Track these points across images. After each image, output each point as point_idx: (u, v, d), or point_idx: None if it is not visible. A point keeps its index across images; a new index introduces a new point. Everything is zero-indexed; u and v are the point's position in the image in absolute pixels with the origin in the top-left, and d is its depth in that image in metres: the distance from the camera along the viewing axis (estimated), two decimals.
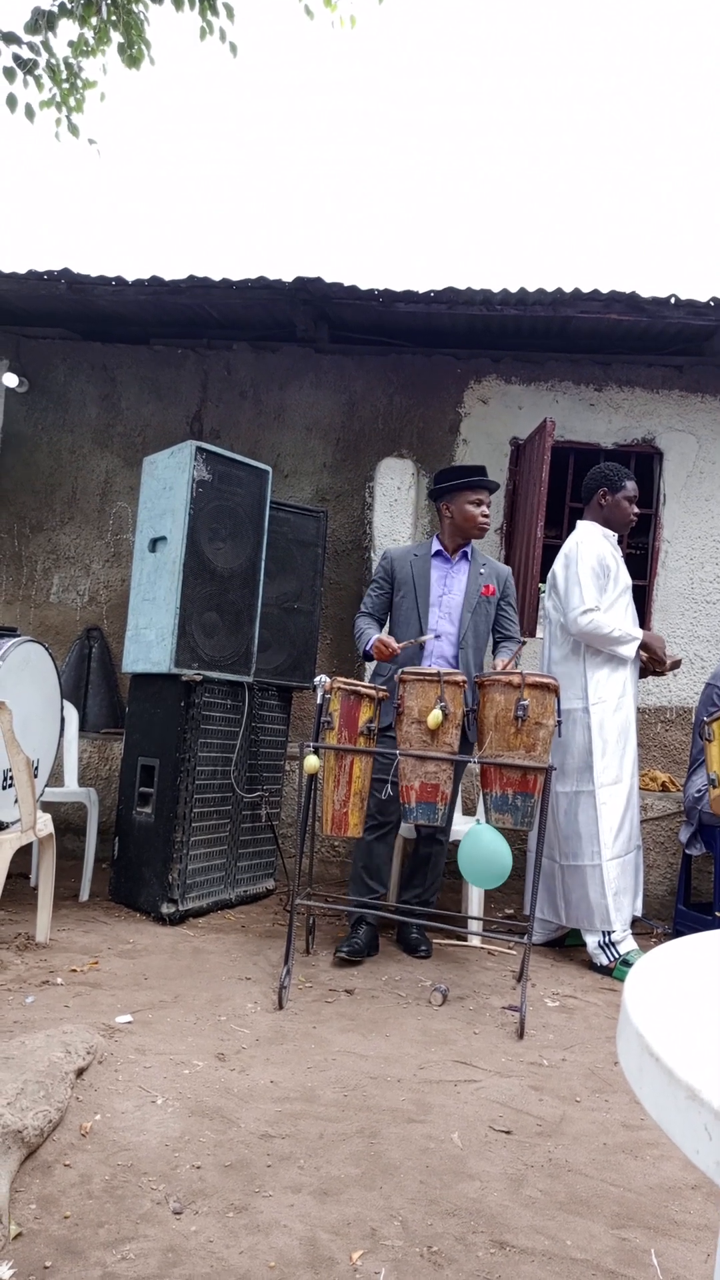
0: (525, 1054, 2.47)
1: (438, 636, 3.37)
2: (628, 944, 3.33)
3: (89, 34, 4.81)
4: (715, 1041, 0.58)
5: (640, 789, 4.28)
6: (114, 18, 4.74)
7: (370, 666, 3.60)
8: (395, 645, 3.23)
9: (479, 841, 2.77)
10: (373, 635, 3.34)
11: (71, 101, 4.98)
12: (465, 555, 3.48)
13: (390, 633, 3.48)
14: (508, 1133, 1.97)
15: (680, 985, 0.72)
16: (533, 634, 4.75)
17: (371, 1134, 1.89)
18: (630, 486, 3.59)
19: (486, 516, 3.42)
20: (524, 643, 3.48)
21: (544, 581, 3.89)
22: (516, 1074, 2.31)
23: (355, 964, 3.16)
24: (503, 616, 3.49)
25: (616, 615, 3.45)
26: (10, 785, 2.83)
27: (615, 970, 3.30)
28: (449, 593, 3.43)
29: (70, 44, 4.87)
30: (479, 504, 3.40)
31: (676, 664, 3.54)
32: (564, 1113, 2.10)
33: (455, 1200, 1.67)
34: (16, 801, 2.84)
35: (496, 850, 2.74)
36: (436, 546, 3.49)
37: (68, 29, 4.78)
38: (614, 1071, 2.40)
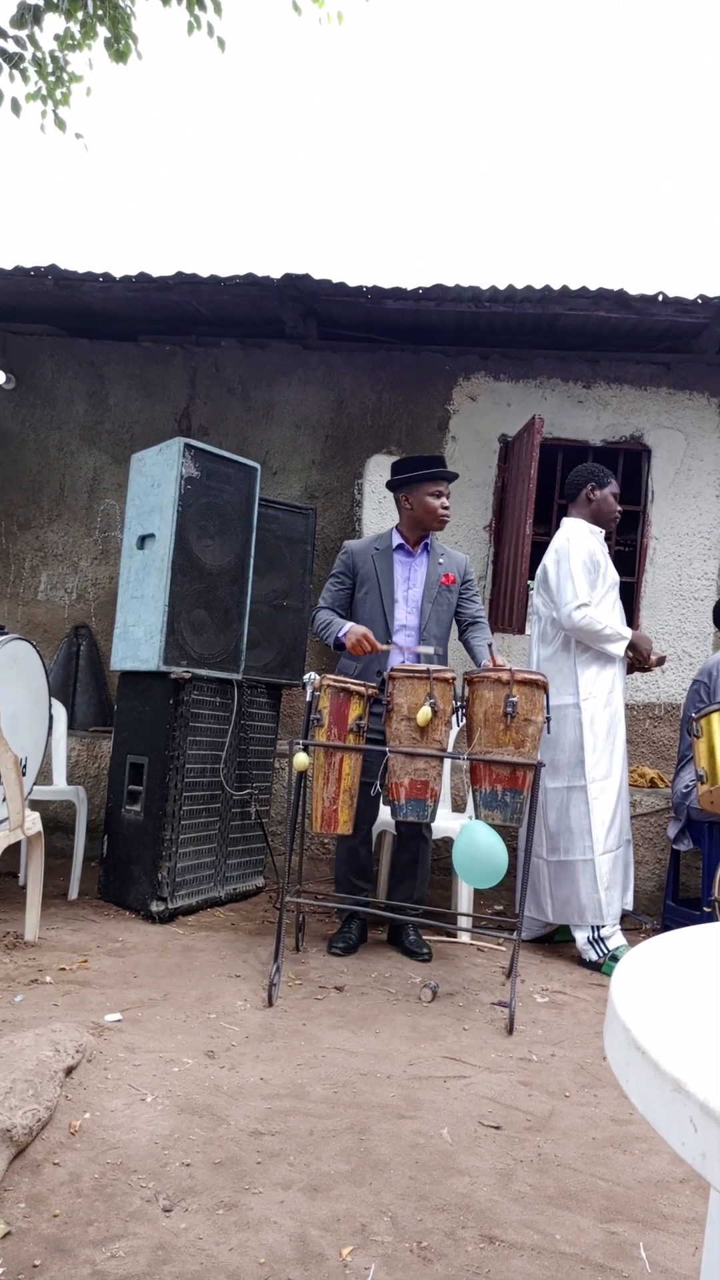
0: (515, 1050, 2.47)
1: (400, 648, 3.33)
2: (616, 939, 3.35)
3: (75, 28, 4.80)
4: (701, 1035, 0.59)
5: (629, 785, 4.30)
6: (100, 12, 4.72)
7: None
8: (379, 644, 3.18)
9: (473, 839, 2.73)
10: (346, 625, 3.27)
11: (58, 95, 4.96)
12: (425, 547, 3.47)
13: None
14: (497, 1128, 1.97)
15: (667, 979, 0.73)
16: (521, 631, 4.76)
17: (361, 1130, 1.90)
18: (615, 483, 3.63)
19: (446, 508, 3.38)
20: (484, 618, 3.48)
21: (533, 578, 3.89)
22: (506, 1069, 2.32)
23: (350, 956, 3.23)
24: (463, 599, 3.47)
25: (605, 611, 3.46)
26: None
27: (604, 966, 3.31)
28: (413, 586, 3.42)
29: (56, 38, 4.85)
30: (438, 495, 3.35)
31: (662, 660, 3.56)
32: (553, 1108, 2.11)
33: (445, 1195, 1.67)
34: (4, 800, 2.83)
35: (492, 848, 2.69)
36: (398, 540, 3.45)
37: (54, 23, 4.76)
38: (603, 1066, 2.41)
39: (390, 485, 3.46)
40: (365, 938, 3.43)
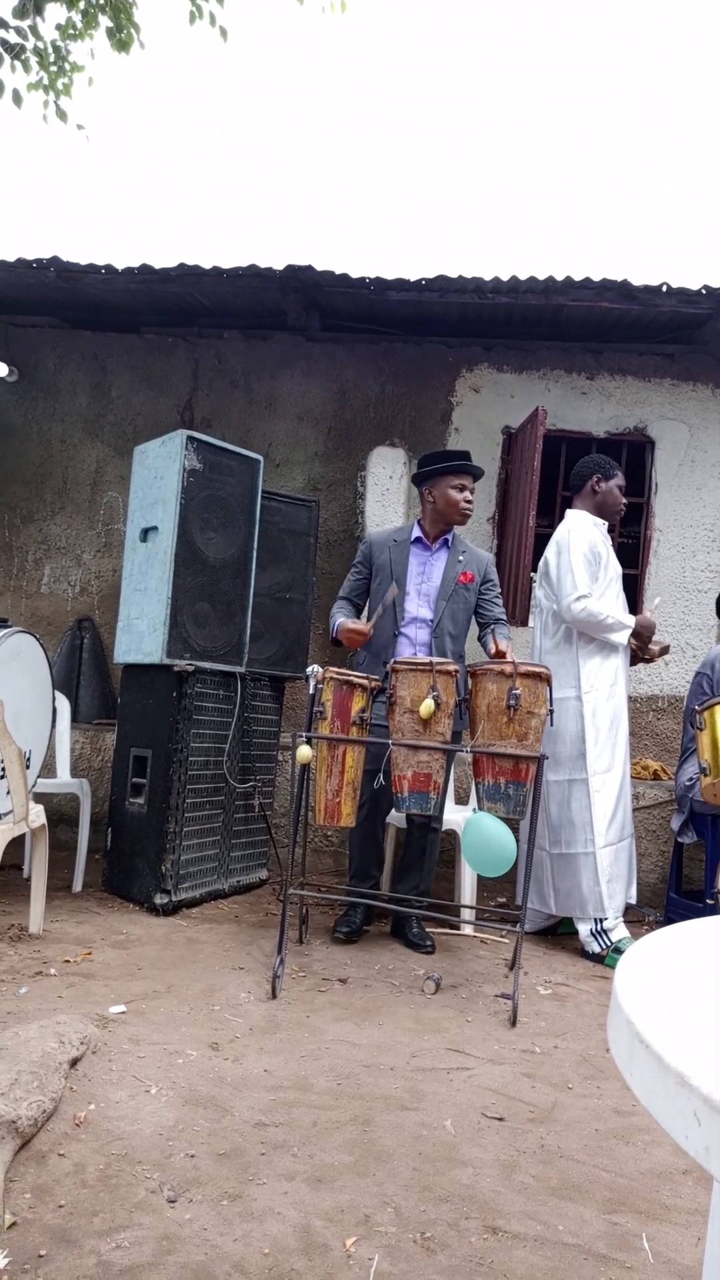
0: (518, 1041, 2.48)
1: (409, 639, 3.35)
2: (620, 932, 3.35)
3: (77, 17, 4.77)
4: (705, 1028, 0.59)
5: (632, 777, 4.30)
6: (102, 1, 4.70)
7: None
8: (364, 627, 3.23)
9: (481, 829, 2.75)
10: (338, 620, 3.34)
11: (59, 85, 4.94)
12: (445, 543, 3.47)
13: (367, 618, 3.47)
14: (500, 1119, 1.98)
15: (671, 972, 0.72)
16: (524, 623, 4.75)
17: (365, 1122, 1.90)
18: (621, 476, 3.61)
19: (469, 503, 3.39)
20: (505, 621, 3.47)
21: (536, 570, 3.89)
22: (509, 1061, 2.33)
23: (354, 941, 3.27)
24: (484, 600, 3.46)
25: (608, 603, 3.45)
26: (2, 777, 2.82)
27: (607, 958, 3.32)
28: (427, 580, 3.42)
29: (58, 27, 4.83)
30: (461, 489, 3.36)
31: (665, 650, 3.55)
32: (556, 1099, 2.12)
33: (448, 1186, 1.68)
34: (9, 793, 2.84)
35: (500, 837, 2.72)
36: (417, 533, 3.47)
37: (55, 13, 4.74)
38: (606, 1058, 2.41)
39: (415, 479, 3.48)
40: (370, 922, 3.46)
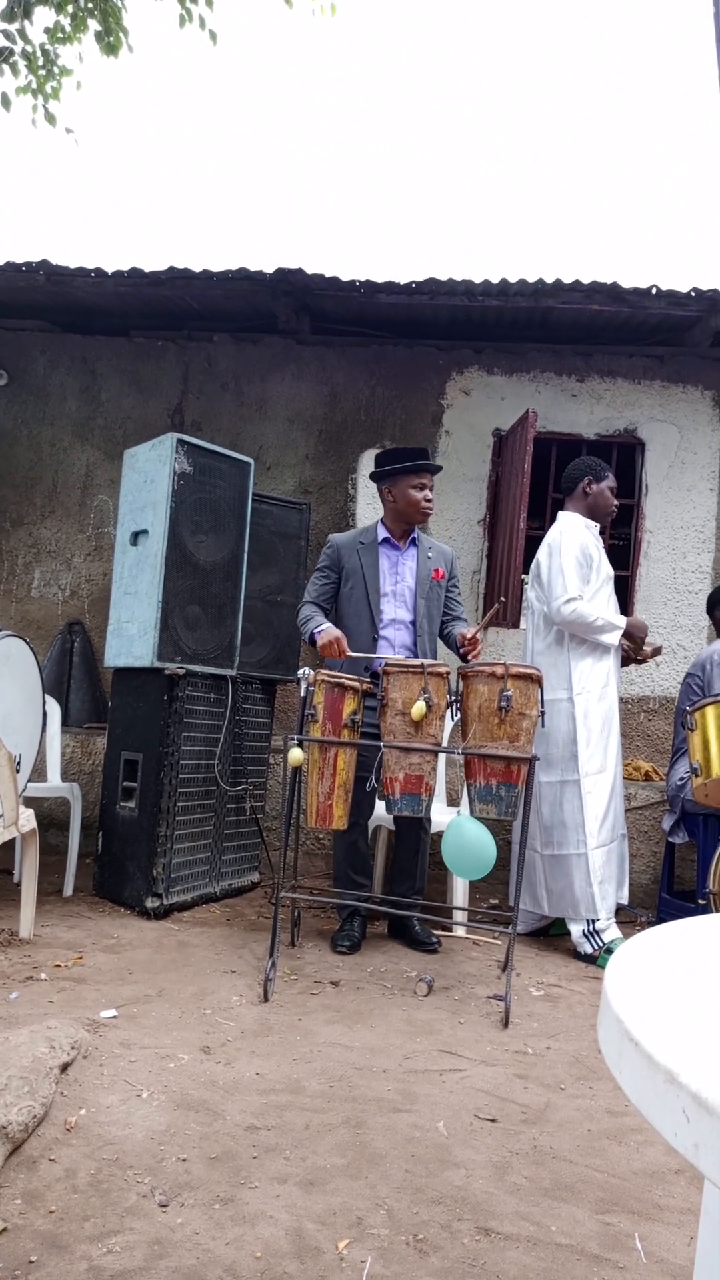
0: (510, 1043, 2.48)
1: (389, 641, 3.35)
2: (612, 932, 3.35)
3: (66, 21, 4.77)
4: (695, 1026, 0.59)
5: (624, 778, 4.31)
6: (91, 4, 4.70)
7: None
8: (348, 651, 3.14)
9: (461, 833, 2.77)
10: (323, 622, 3.25)
11: (48, 89, 4.93)
12: (414, 541, 3.47)
13: (339, 623, 3.40)
14: (493, 1121, 1.98)
15: (661, 971, 0.73)
16: (516, 625, 4.76)
17: (357, 1124, 1.90)
18: (612, 478, 3.63)
19: (429, 501, 3.35)
20: (464, 620, 3.48)
21: (527, 572, 3.90)
22: (501, 1063, 2.33)
23: (356, 953, 3.23)
24: (449, 598, 3.47)
25: (599, 605, 3.46)
26: None
27: (599, 959, 3.32)
28: (401, 580, 3.41)
29: (46, 31, 4.82)
30: (421, 488, 3.33)
31: (657, 651, 3.57)
32: (549, 1100, 2.12)
33: (441, 1188, 1.67)
34: None
35: (480, 841, 2.75)
36: (383, 534, 3.43)
37: (44, 16, 4.73)
38: (598, 1059, 2.41)
39: (373, 477, 3.46)
40: (365, 933, 3.42)
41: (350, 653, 3.15)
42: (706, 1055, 0.53)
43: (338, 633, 3.17)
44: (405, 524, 3.42)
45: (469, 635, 3.17)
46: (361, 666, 3.25)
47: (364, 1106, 1.99)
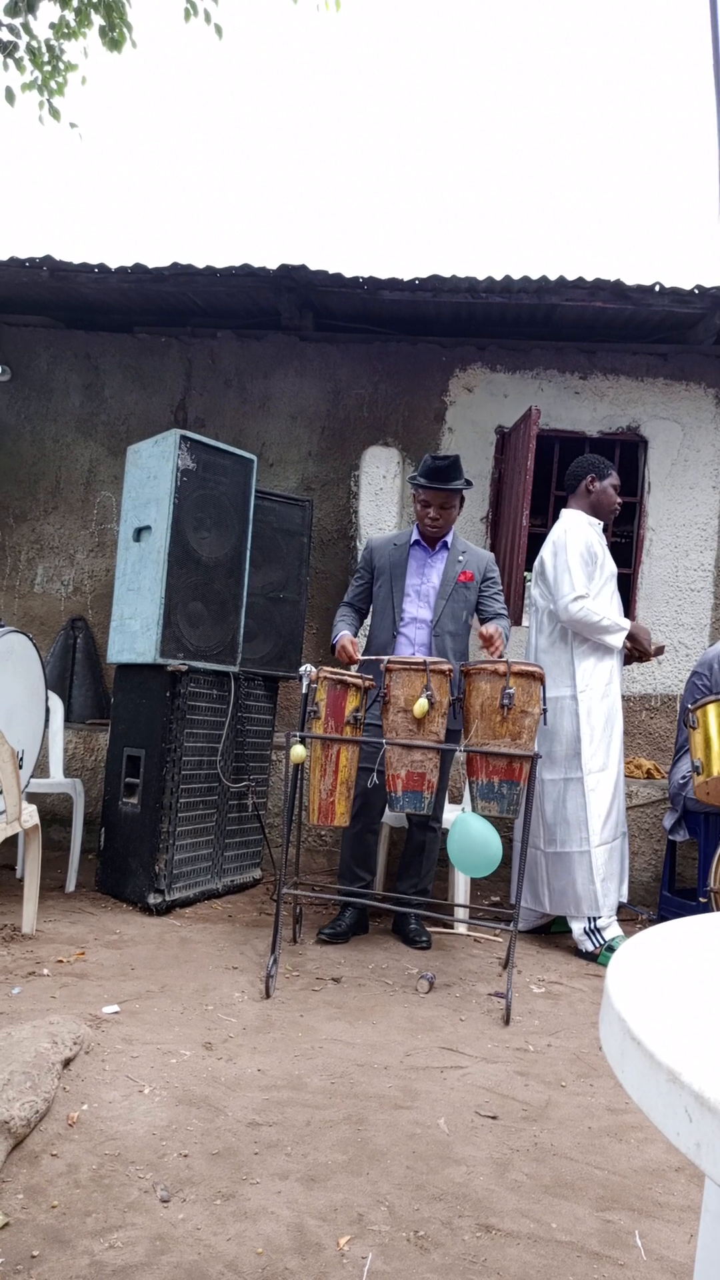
0: (511, 1040, 2.48)
1: (409, 639, 3.39)
2: (613, 930, 3.36)
3: (70, 16, 4.77)
4: (697, 1025, 0.59)
5: (625, 776, 4.31)
6: (95, 0, 4.69)
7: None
8: (358, 657, 3.28)
9: (467, 830, 2.78)
10: (341, 630, 3.40)
11: (53, 85, 4.93)
12: (445, 545, 3.48)
13: (371, 620, 3.53)
14: (494, 1118, 1.98)
15: (663, 969, 0.73)
16: (519, 623, 4.76)
17: (358, 1121, 1.90)
18: (615, 475, 3.62)
19: (434, 520, 3.36)
20: (504, 616, 3.47)
21: (529, 570, 3.89)
22: (502, 1060, 2.33)
23: (339, 944, 3.25)
24: (484, 597, 3.47)
25: (603, 603, 3.46)
26: None
27: (600, 956, 3.32)
28: (425, 581, 3.44)
29: (51, 26, 4.82)
30: (427, 505, 3.37)
31: (660, 650, 3.56)
32: (549, 1097, 2.12)
33: (441, 1185, 1.68)
34: (1, 793, 2.83)
35: (486, 838, 2.75)
36: (415, 536, 3.49)
37: (48, 11, 4.73)
38: (599, 1056, 2.42)
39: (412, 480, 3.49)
40: (366, 928, 3.46)
41: (359, 658, 3.26)
42: (709, 1054, 0.53)
43: (347, 639, 3.30)
44: (421, 532, 3.47)
45: (487, 633, 3.20)
46: (379, 667, 3.28)
47: (365, 1103, 1.99)
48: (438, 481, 3.33)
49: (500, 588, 3.54)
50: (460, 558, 3.45)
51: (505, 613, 3.50)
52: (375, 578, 3.52)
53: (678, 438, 5.12)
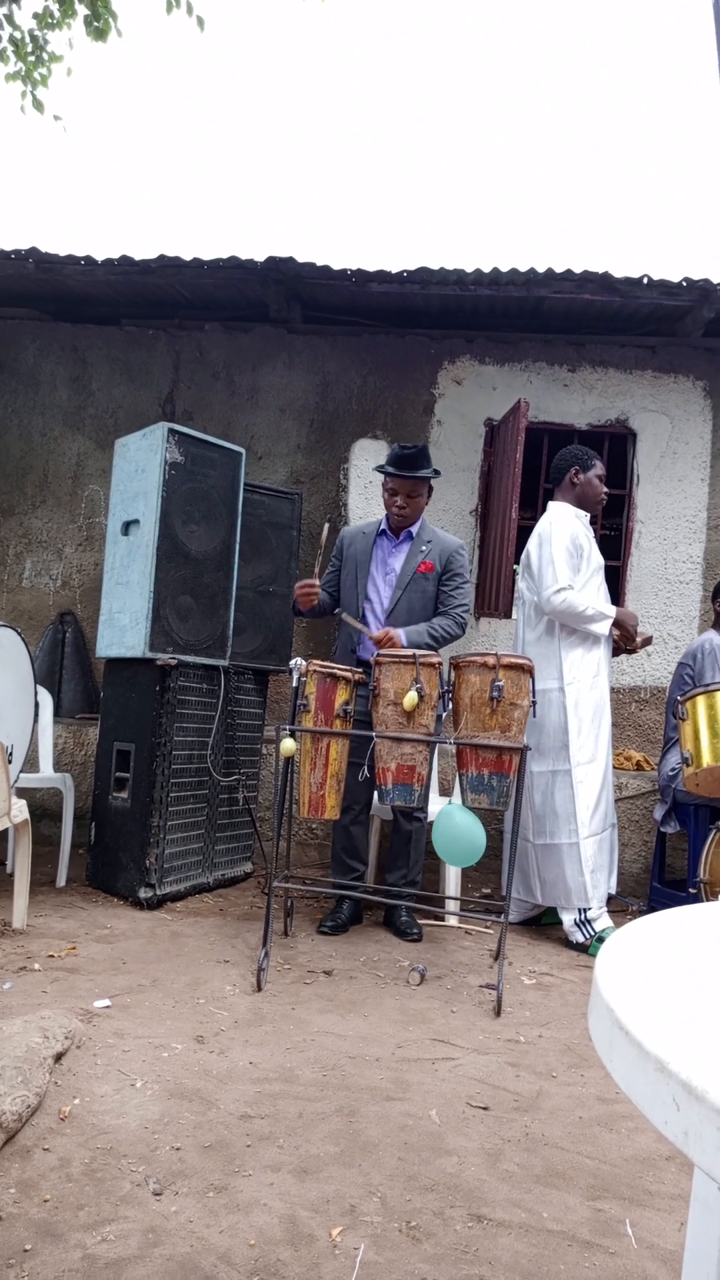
0: (502, 1031, 2.49)
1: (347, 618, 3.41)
2: (603, 921, 3.37)
3: (54, 6, 4.73)
4: (685, 1015, 0.59)
5: (615, 768, 4.32)
6: None
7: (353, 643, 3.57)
8: (315, 585, 3.29)
9: (452, 821, 2.79)
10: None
11: (37, 75, 4.89)
12: (410, 534, 3.50)
13: (336, 607, 3.58)
14: (485, 1109, 1.99)
15: (651, 960, 0.73)
16: (508, 615, 4.76)
17: (350, 1112, 1.91)
18: (599, 465, 3.63)
19: (400, 508, 3.40)
20: (464, 607, 3.46)
21: (518, 563, 3.89)
22: (494, 1051, 2.34)
23: (340, 935, 3.29)
24: (443, 591, 3.45)
25: (589, 595, 3.46)
26: None
27: (591, 947, 3.34)
28: (390, 571, 3.48)
29: (35, 16, 4.78)
30: (393, 493, 3.41)
31: (648, 641, 3.57)
32: (540, 1088, 2.13)
33: (433, 1176, 1.68)
34: None
35: (470, 829, 2.77)
36: (383, 525, 3.53)
37: (32, 1, 4.69)
38: (589, 1047, 2.43)
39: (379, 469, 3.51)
40: (360, 919, 3.48)
41: (316, 586, 3.31)
42: (696, 1044, 0.53)
43: (304, 582, 3.34)
44: (388, 521, 3.51)
45: (375, 637, 3.23)
46: (349, 650, 3.40)
47: (357, 1095, 2.00)
48: (405, 469, 3.36)
49: (463, 580, 3.48)
50: (424, 547, 3.46)
51: (463, 604, 3.46)
52: (344, 565, 3.57)
53: (666, 430, 5.13)
